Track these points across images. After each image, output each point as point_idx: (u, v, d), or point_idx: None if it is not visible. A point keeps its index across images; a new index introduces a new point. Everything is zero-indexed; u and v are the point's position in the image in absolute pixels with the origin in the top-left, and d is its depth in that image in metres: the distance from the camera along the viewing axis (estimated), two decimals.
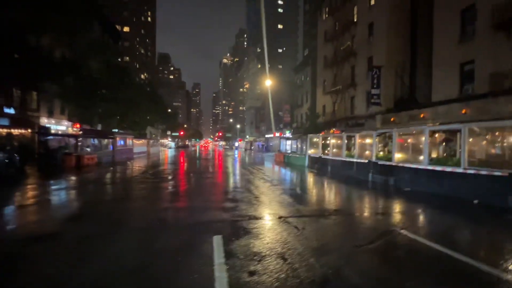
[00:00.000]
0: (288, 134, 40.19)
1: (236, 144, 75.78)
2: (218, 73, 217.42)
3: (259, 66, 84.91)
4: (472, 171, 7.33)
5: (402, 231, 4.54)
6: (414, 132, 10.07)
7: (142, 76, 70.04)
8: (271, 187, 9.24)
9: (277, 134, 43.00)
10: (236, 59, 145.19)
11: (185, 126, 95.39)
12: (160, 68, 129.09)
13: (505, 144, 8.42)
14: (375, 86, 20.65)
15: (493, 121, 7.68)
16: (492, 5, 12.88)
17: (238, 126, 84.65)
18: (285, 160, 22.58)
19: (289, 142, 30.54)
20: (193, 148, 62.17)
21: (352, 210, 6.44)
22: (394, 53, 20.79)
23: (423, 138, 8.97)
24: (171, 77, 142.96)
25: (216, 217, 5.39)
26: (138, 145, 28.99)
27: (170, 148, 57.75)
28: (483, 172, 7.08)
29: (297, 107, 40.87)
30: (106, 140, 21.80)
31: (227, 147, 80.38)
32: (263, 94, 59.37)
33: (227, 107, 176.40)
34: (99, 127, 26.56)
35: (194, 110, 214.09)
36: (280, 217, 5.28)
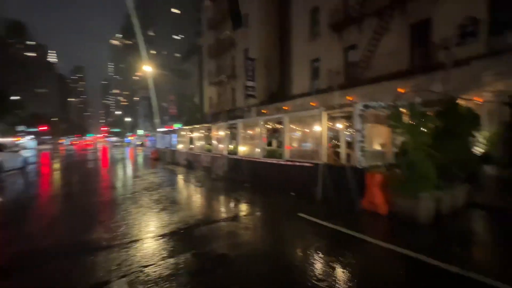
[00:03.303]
0: (178, 127, 36.91)
1: (129, 140, 65.46)
2: (109, 57, 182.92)
3: (152, 51, 75.85)
4: (289, 163, 7.12)
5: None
6: (253, 123, 9.66)
7: None
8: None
9: (175, 128, 38.93)
10: (128, 42, 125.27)
11: (55, 119, 74.54)
12: (11, 41, 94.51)
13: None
14: (250, 79, 20.68)
15: (304, 111, 7.89)
16: (329, 7, 14.35)
17: (130, 119, 73.47)
18: (161, 157, 19.87)
19: (172, 136, 27.57)
20: (70, 147, 48.36)
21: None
22: (266, 46, 21.38)
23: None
24: (30, 54, 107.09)
25: None
26: None
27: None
28: (298, 164, 6.93)
29: (188, 98, 38.16)
30: None
31: (117, 144, 68.37)
32: (156, 84, 52.96)
33: (120, 97, 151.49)
34: None
35: (75, 99, 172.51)
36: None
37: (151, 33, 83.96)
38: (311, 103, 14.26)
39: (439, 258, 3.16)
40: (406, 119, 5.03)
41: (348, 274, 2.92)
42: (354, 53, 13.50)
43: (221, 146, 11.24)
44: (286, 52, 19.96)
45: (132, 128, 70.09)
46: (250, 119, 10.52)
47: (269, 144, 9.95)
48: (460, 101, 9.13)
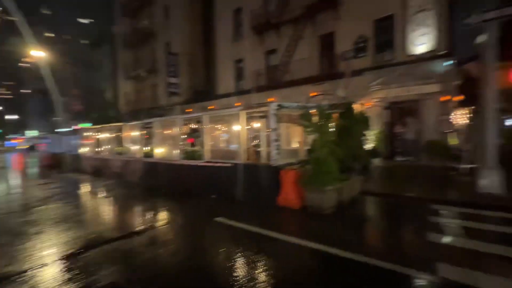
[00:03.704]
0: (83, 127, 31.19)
1: (12, 143, 51.17)
2: None
3: (49, 34, 61.65)
4: (209, 164, 6.80)
5: None
6: (172, 123, 8.90)
7: None
8: None
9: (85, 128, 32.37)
10: (10, 18, 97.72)
11: None
12: None
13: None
14: (172, 75, 19.25)
15: (224, 110, 7.83)
16: (251, 10, 14.74)
17: (15, 116, 57.85)
18: (58, 164, 16.14)
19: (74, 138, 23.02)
20: None
21: None
22: (191, 42, 20.37)
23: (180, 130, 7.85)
24: None
25: None
26: None
27: None
28: (217, 164, 6.68)
29: (99, 94, 32.77)
30: None
31: None
32: (57, 74, 43.04)
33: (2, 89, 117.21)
34: None
35: None
36: None
37: (46, 11, 68.07)
38: (236, 104, 14.34)
39: (339, 246, 3.46)
40: (315, 119, 5.48)
41: (260, 275, 2.83)
42: (274, 57, 14.29)
43: (134, 148, 9.89)
44: (212, 51, 19.53)
45: (19, 128, 55.31)
46: (167, 118, 9.67)
47: (192, 145, 9.37)
48: (356, 105, 10.82)
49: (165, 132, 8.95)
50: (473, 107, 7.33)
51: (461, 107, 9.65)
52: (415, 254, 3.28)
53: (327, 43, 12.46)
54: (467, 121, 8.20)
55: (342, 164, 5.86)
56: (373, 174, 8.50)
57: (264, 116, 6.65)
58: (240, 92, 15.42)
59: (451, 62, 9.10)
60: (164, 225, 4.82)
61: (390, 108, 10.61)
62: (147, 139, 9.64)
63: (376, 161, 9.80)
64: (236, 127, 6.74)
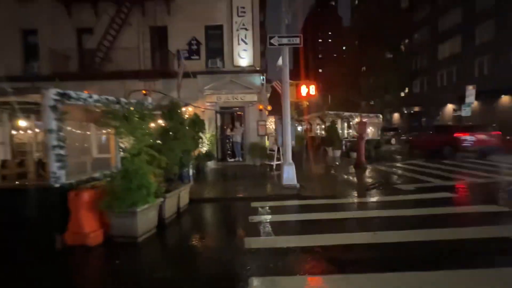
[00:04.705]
0: None
1: None
2: None
3: None
4: None
5: None
6: None
7: None
8: None
9: None
10: None
11: None
12: None
13: None
14: None
15: None
16: None
17: None
18: None
19: None
20: None
21: None
22: None
23: None
24: None
25: None
26: None
27: None
28: None
29: None
30: None
31: None
32: None
33: None
34: None
35: None
36: None
37: None
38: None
39: None
40: (134, 119, 4.23)
41: None
42: (91, 39, 11.10)
43: None
44: None
45: None
46: None
47: None
48: (191, 108, 10.53)
49: None
50: (278, 116, 9.10)
51: (271, 115, 12.06)
52: (230, 276, 3.04)
53: (160, 36, 11.31)
54: (275, 126, 10.20)
55: (167, 173, 5.07)
56: (207, 177, 8.50)
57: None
58: (33, 78, 10.71)
59: (263, 77, 11.05)
60: None
61: (221, 112, 11.31)
62: None
63: (211, 164, 10.02)
64: None
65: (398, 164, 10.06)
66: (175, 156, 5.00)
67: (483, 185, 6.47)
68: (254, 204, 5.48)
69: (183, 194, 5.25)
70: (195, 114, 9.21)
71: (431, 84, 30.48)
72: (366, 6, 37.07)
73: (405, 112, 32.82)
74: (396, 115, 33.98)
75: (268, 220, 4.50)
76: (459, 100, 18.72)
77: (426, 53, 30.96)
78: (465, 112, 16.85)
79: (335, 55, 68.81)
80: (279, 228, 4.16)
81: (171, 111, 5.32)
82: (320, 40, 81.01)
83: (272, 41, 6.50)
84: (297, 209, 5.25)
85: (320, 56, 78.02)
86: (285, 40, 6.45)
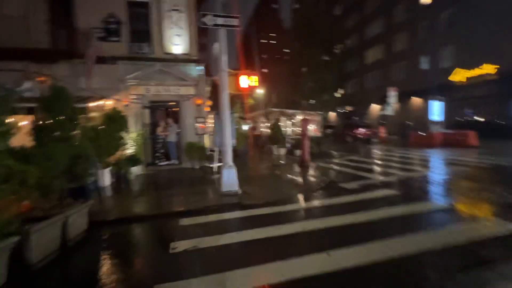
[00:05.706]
0: None
1: None
2: None
3: None
4: None
5: None
6: None
7: None
8: None
9: None
10: None
11: None
12: None
13: None
14: None
15: None
16: None
17: None
18: None
19: None
20: None
21: None
22: None
23: None
24: None
25: None
26: None
27: None
28: None
29: None
30: None
31: None
32: None
33: None
34: None
35: None
36: None
37: None
38: None
39: None
40: None
41: None
42: None
43: None
44: None
45: None
46: None
47: None
48: (113, 101, 8.50)
49: None
50: (216, 111, 7.99)
51: (211, 111, 10.84)
52: None
53: (63, 8, 8.81)
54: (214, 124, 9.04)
55: (47, 189, 3.46)
56: (131, 187, 6.81)
57: None
58: None
59: (202, 68, 9.74)
60: None
61: (151, 107, 9.55)
62: None
63: (137, 170, 8.26)
64: None
65: (337, 160, 10.21)
66: (55, 166, 3.40)
67: (416, 179, 6.76)
68: (184, 221, 4.31)
69: (76, 219, 3.69)
70: (114, 109, 7.38)
71: (360, 86, 33.87)
72: (304, 10, 38.98)
73: (339, 111, 35.81)
74: (333, 114, 36.79)
75: (195, 247, 3.39)
76: (382, 101, 21.10)
77: (356, 58, 34.23)
78: (388, 111, 18.84)
79: (278, 56, 71.11)
80: (207, 260, 3.11)
81: (51, 101, 3.65)
82: (264, 41, 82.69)
83: (205, 19, 5.37)
84: (236, 225, 4.29)
85: (264, 56, 79.63)
86: (220, 20, 5.40)
